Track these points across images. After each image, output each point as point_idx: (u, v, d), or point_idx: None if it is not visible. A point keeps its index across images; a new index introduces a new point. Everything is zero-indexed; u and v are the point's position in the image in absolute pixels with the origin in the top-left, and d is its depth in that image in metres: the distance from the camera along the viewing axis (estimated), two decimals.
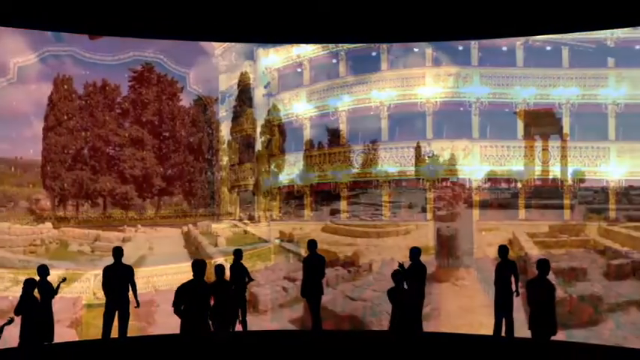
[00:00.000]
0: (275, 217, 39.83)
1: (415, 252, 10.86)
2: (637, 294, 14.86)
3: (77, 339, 10.84)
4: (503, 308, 11.18)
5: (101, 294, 15.06)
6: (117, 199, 32.97)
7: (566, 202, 39.86)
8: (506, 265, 11.31)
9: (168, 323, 13.26)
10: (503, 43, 53.92)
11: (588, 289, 13.17)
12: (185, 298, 7.88)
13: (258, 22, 10.60)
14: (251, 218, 37.90)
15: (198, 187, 35.70)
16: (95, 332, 12.13)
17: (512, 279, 11.37)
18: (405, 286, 8.66)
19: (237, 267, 11.67)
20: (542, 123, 47.02)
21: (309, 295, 11.24)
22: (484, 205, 43.14)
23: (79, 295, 12.86)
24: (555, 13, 8.96)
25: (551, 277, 14.70)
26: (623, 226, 26.22)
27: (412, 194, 54.03)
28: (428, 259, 19.83)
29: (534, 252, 18.12)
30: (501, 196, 48.35)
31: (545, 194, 43.92)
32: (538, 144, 48.17)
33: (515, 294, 11.39)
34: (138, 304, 10.60)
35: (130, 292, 10.50)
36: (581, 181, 60.09)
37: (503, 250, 11.52)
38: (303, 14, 9.88)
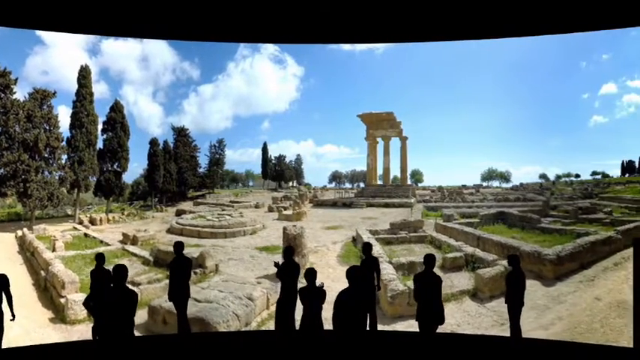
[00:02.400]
0: (118, 219, 38.48)
1: (289, 251, 10.91)
2: (469, 284, 15.90)
3: None
4: (367, 303, 11.51)
5: None
6: None
7: (407, 200, 42.12)
8: (370, 262, 11.68)
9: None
10: (345, 47, 55.28)
11: None
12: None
13: (257, 22, 10.13)
14: (92, 221, 36.34)
15: (35, 187, 33.34)
16: None
17: (375, 275, 11.78)
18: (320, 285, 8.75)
19: (100, 272, 11.20)
20: (383, 126, 49.36)
21: (176, 298, 10.99)
22: (329, 204, 44.48)
23: None
24: (556, 12, 9.12)
25: (390, 270, 15.47)
26: (457, 222, 28.04)
27: (259, 194, 54.56)
28: (275, 258, 20.07)
29: (376, 249, 18.81)
30: (345, 195, 50.17)
31: (387, 193, 46.08)
32: (379, 146, 50.54)
33: (377, 288, 11.83)
34: (13, 317, 9.69)
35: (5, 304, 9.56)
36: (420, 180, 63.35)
37: (367, 247, 11.86)
38: (303, 14, 9.58)
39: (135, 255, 21.18)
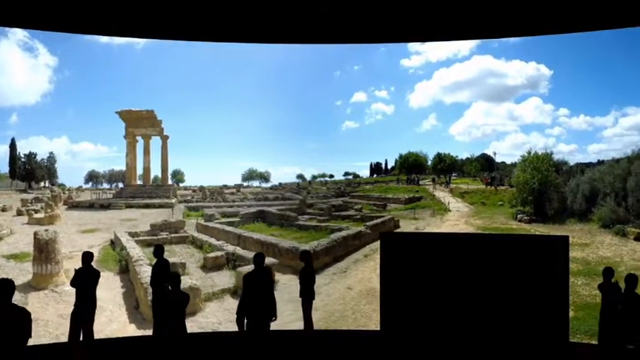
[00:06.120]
0: None
1: (87, 256, 10.07)
2: (231, 282, 16.24)
3: None
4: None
5: None
6: None
7: (168, 200, 41.54)
8: (161, 265, 11.30)
9: None
10: (103, 39, 52.94)
11: (187, 282, 13.89)
12: None
13: (257, 22, 8.99)
14: None
15: None
16: None
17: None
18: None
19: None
20: (143, 124, 48.12)
21: None
22: (86, 206, 42.24)
23: None
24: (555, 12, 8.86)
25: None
26: (218, 222, 28.41)
27: (6, 196, 50.13)
28: (25, 266, 18.64)
29: (135, 251, 18.39)
30: (103, 196, 48.02)
31: (147, 194, 45.03)
32: (139, 145, 49.20)
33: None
34: None
35: None
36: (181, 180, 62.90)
37: (158, 249, 11.42)
38: (303, 14, 8.62)
39: None
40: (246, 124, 65.29)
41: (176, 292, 8.16)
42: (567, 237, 7.01)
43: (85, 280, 9.62)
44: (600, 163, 32.79)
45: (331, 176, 60.66)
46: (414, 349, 6.82)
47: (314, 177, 61.74)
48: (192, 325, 12.72)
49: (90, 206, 41.07)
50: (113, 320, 13.48)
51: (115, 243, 23.50)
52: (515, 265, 6.62)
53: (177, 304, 8.11)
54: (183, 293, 8.35)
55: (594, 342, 11.77)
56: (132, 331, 12.76)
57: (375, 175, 63.97)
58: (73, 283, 9.65)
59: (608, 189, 25.71)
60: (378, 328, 7.21)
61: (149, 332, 12.44)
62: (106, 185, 67.66)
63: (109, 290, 16.11)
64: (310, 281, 10.84)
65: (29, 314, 6.37)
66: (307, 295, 10.83)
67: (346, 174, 61.42)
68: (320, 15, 8.95)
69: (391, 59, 61.59)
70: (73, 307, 9.59)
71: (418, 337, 6.81)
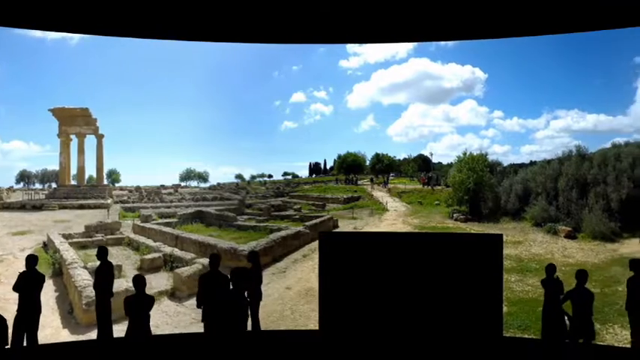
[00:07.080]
0: None
1: (31, 260, 9.69)
2: (168, 284, 16.10)
3: None
4: (105, 311, 10.88)
5: None
6: None
7: (104, 201, 40.68)
8: (106, 267, 11.06)
9: None
10: (37, 33, 51.40)
11: (123, 285, 13.62)
12: None
13: (257, 22, 8.72)
14: None
15: None
16: None
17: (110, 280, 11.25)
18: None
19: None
20: (78, 122, 46.89)
21: None
22: (17, 207, 40.90)
23: None
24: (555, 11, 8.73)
25: (85, 276, 14.85)
26: (155, 222, 27.99)
27: None
28: None
29: (70, 254, 17.99)
30: (36, 197, 46.56)
31: (82, 194, 43.94)
32: (74, 144, 47.92)
33: (111, 294, 11.26)
34: None
35: None
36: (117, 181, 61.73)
37: (102, 251, 11.17)
38: (303, 14, 8.38)
39: None
40: (183, 123, 64.39)
41: (141, 295, 8.06)
42: (501, 235, 7.25)
43: (29, 284, 9.36)
44: (532, 163, 33.77)
45: (270, 176, 60.56)
46: (353, 348, 6.91)
47: (253, 177, 61.52)
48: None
49: (21, 207, 39.78)
50: (46, 325, 13.11)
51: (47, 245, 22.89)
52: (451, 262, 6.80)
53: (143, 307, 8.02)
54: (148, 295, 8.25)
55: (527, 336, 12.24)
56: (65, 336, 12.48)
57: (314, 176, 64.19)
58: (15, 288, 9.35)
59: (540, 189, 26.58)
60: (317, 328, 7.27)
61: (83, 337, 12.23)
62: (38, 185, 65.58)
63: (41, 294, 15.73)
64: (257, 282, 10.85)
65: (5, 320, 6.26)
66: (255, 296, 10.84)
67: (285, 174, 61.42)
68: (320, 14, 8.96)
69: (330, 60, 61.91)
70: (16, 312, 9.30)
71: (356, 336, 6.90)
